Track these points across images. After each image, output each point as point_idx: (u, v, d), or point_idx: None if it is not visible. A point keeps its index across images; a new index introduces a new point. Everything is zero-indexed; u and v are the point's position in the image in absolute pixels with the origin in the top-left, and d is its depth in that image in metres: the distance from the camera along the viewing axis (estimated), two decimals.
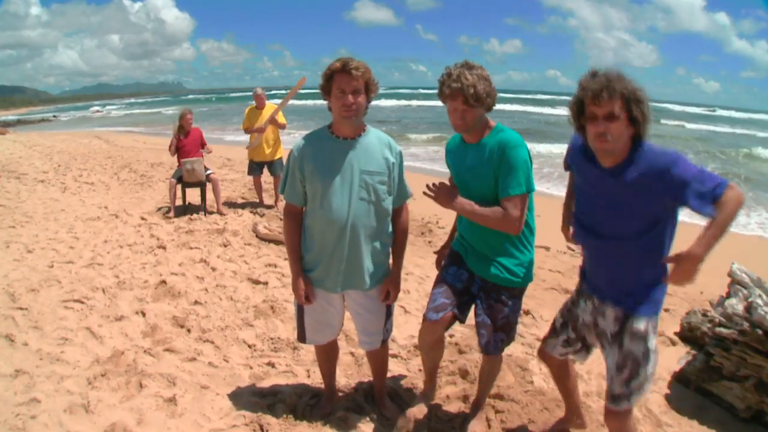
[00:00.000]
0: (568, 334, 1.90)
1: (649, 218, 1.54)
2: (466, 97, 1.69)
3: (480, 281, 1.98)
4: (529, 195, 1.80)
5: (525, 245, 1.93)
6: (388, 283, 2.01)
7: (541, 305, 3.68)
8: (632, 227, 1.57)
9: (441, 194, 1.78)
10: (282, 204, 5.23)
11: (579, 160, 1.68)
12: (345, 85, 1.76)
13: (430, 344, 2.09)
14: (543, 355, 2.04)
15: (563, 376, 2.05)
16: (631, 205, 1.55)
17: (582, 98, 1.51)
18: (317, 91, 1.87)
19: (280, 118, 5.84)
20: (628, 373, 1.65)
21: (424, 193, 1.81)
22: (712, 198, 1.42)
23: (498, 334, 1.97)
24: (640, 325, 1.62)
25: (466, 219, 1.92)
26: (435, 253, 2.27)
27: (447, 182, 1.78)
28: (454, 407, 2.36)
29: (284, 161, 2.48)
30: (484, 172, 1.80)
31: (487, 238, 1.90)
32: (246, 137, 6.18)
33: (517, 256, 1.91)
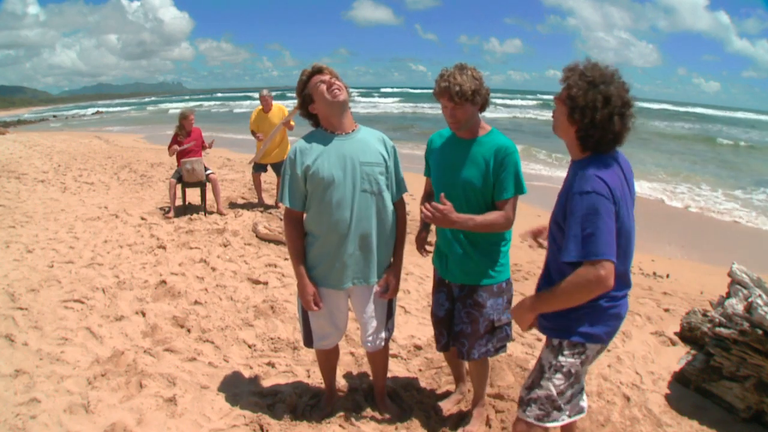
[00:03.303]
0: None
1: (559, 234, 1.50)
2: (451, 95, 1.78)
3: (458, 288, 2.01)
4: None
5: (505, 242, 1.99)
6: (389, 275, 2.02)
7: None
8: (555, 247, 1.54)
9: (439, 216, 1.78)
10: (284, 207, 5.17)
11: None
12: (322, 77, 1.88)
13: (449, 359, 2.35)
14: None
15: None
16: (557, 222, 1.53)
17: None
18: None
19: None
20: (531, 380, 1.59)
21: (422, 216, 1.82)
22: (580, 254, 1.37)
23: (482, 339, 1.96)
24: (554, 340, 1.57)
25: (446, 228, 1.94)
26: (415, 240, 2.18)
27: (442, 202, 1.79)
28: (454, 407, 2.37)
29: None
30: (479, 165, 1.88)
31: (471, 243, 1.93)
32: (246, 143, 6.15)
33: (496, 255, 1.96)
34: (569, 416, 1.58)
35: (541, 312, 1.55)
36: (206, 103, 47.85)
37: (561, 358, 1.54)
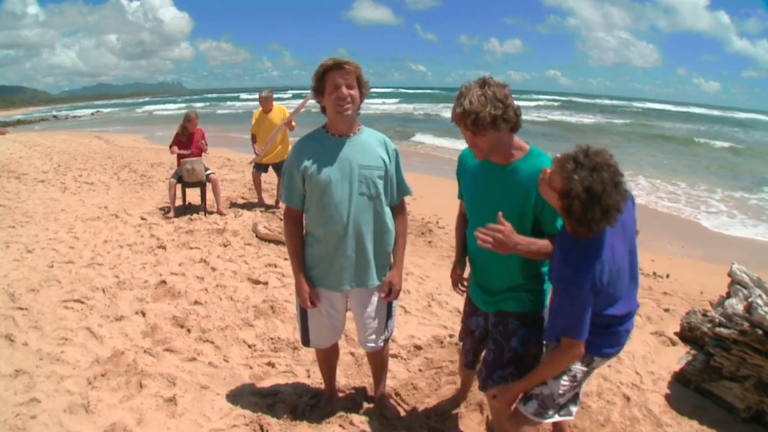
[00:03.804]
0: None
1: None
2: (466, 124, 1.52)
3: (493, 316, 1.84)
4: None
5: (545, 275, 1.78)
6: (390, 278, 2.01)
7: None
8: None
9: (500, 239, 1.53)
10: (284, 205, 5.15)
11: None
12: (339, 79, 1.80)
13: (466, 373, 2.28)
14: None
15: None
16: None
17: None
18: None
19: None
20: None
21: (479, 243, 1.55)
22: (555, 335, 1.52)
23: (503, 370, 1.75)
24: None
25: (481, 258, 1.76)
26: (450, 276, 2.01)
27: (500, 222, 1.54)
28: (453, 408, 2.37)
29: None
30: (517, 197, 1.63)
31: (507, 275, 1.74)
32: (246, 143, 6.19)
33: (537, 284, 1.77)
34: (560, 415, 1.66)
35: (529, 389, 1.67)
36: (196, 104, 48.03)
37: (573, 365, 1.62)
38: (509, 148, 1.64)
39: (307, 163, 1.87)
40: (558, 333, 1.51)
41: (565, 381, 1.63)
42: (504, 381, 1.74)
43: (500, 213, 1.55)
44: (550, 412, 1.64)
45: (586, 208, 1.36)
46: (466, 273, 1.96)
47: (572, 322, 1.47)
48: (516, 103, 1.57)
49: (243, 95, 61.27)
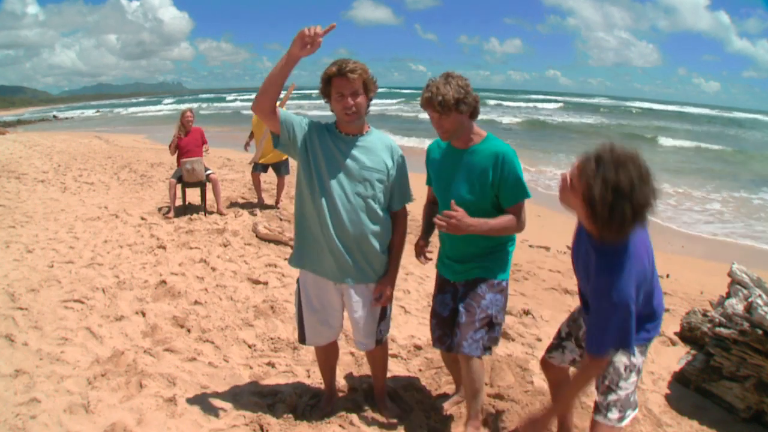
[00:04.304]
0: (573, 354, 1.86)
1: None
2: (434, 105, 1.77)
3: (462, 287, 2.01)
4: None
5: (512, 242, 2.02)
6: (382, 283, 2.01)
7: (541, 305, 3.68)
8: None
9: (454, 223, 1.77)
10: (283, 203, 5.18)
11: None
12: (343, 89, 1.81)
13: (449, 362, 2.34)
14: (545, 364, 1.98)
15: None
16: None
17: None
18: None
19: None
20: (606, 385, 1.61)
21: (436, 225, 1.82)
22: (594, 352, 1.47)
23: (476, 333, 1.91)
24: None
25: (447, 234, 1.92)
26: (414, 247, 2.17)
27: (453, 209, 1.78)
28: (453, 407, 2.37)
29: (290, 161, 2.40)
30: (477, 176, 1.87)
31: (473, 247, 1.95)
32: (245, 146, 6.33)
33: (501, 254, 1.98)
34: (633, 411, 1.65)
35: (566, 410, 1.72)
36: (184, 105, 48.22)
37: (633, 359, 1.62)
38: (469, 133, 1.90)
39: (315, 139, 1.89)
40: (612, 347, 1.44)
41: (633, 378, 1.62)
42: (477, 343, 1.91)
43: (453, 201, 1.81)
44: (629, 412, 1.63)
45: (614, 209, 1.26)
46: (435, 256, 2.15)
47: (625, 335, 1.41)
48: (475, 92, 1.84)
49: (231, 96, 62.21)
